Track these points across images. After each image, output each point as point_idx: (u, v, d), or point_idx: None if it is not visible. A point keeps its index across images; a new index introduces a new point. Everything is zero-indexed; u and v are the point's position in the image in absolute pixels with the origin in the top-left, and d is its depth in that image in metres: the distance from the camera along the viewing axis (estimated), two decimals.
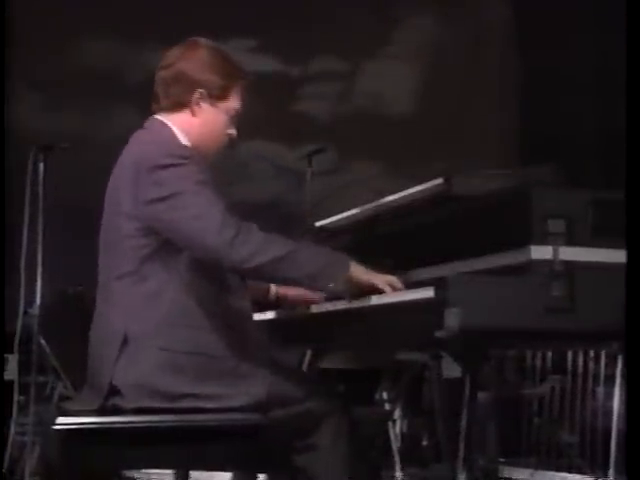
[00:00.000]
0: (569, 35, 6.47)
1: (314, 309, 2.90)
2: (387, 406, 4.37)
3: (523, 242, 2.44)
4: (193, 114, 2.83)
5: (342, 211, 3.28)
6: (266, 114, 6.11)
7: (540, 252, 2.42)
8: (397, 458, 4.29)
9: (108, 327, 2.73)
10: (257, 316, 3.21)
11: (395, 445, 4.30)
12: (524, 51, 6.98)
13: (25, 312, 4.59)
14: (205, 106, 2.83)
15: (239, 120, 2.93)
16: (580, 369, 4.50)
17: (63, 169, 4.77)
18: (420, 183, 2.83)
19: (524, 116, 6.95)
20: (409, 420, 4.50)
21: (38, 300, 4.62)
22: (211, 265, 2.67)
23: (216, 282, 2.74)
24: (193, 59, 2.84)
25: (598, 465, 4.27)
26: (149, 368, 2.65)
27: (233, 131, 2.91)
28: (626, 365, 2.43)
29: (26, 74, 6.43)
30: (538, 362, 4.62)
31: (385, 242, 3.09)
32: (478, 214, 2.66)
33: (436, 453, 4.47)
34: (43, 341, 4.83)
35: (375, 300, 2.64)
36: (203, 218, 2.59)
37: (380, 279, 2.66)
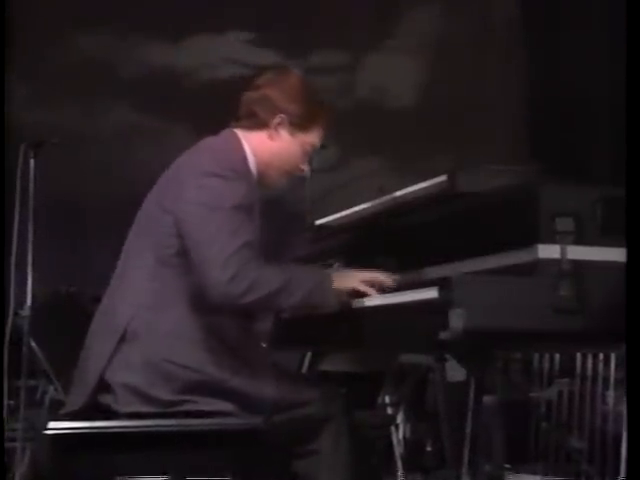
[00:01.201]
0: (579, 26, 6.46)
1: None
2: (389, 410, 4.37)
3: (530, 241, 2.44)
4: (270, 138, 2.90)
5: (343, 209, 3.29)
6: None
7: (547, 251, 2.42)
8: (400, 464, 4.30)
9: (111, 319, 2.77)
10: None
11: (398, 450, 4.30)
12: (531, 42, 6.97)
13: (15, 313, 4.59)
14: (283, 133, 2.91)
15: (313, 159, 3.02)
16: (589, 372, 4.49)
17: (55, 166, 4.77)
18: (423, 180, 2.83)
19: (531, 110, 6.94)
20: (412, 425, 4.50)
21: (29, 301, 4.62)
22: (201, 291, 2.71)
23: None
24: (281, 85, 2.92)
25: (608, 472, 4.27)
26: (142, 373, 2.67)
27: (305, 167, 3.00)
28: (626, 366, 2.43)
29: (14, 67, 6.42)
30: (545, 365, 4.62)
31: (387, 241, 3.09)
32: (483, 212, 2.66)
33: (440, 459, 4.46)
34: (34, 343, 4.82)
35: (377, 301, 2.65)
36: (215, 245, 2.65)
37: (361, 281, 2.77)
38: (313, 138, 2.95)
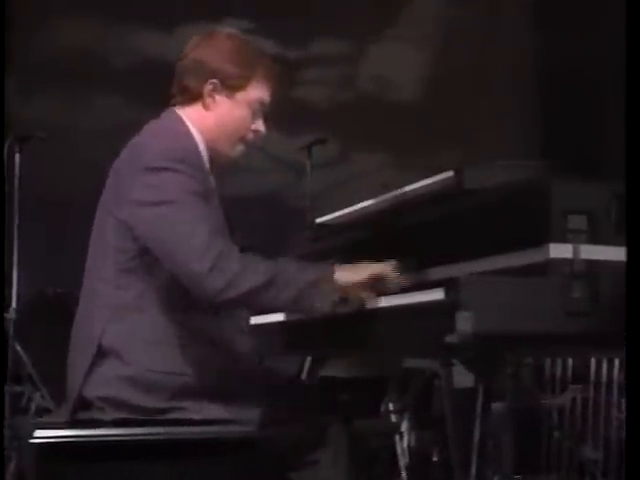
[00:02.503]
0: (592, 14, 6.46)
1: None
2: (393, 418, 4.37)
3: (541, 240, 2.43)
4: (206, 107, 2.80)
5: (344, 207, 3.29)
6: None
7: (559, 250, 2.42)
8: (404, 475, 4.30)
9: (84, 335, 2.75)
10: (252, 320, 3.22)
11: (402, 460, 4.30)
12: (542, 31, 6.97)
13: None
14: (220, 98, 2.80)
15: (267, 112, 2.88)
16: (604, 378, 4.49)
17: (41, 161, 4.77)
18: (429, 176, 2.83)
19: (542, 103, 6.94)
20: (417, 433, 4.50)
21: (14, 303, 4.63)
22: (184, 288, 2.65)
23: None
24: (208, 47, 2.82)
25: None
26: (124, 387, 2.66)
27: (259, 126, 2.87)
28: (626, 367, 2.43)
29: None
30: (558, 370, 4.61)
31: (391, 240, 3.08)
32: (491, 209, 2.65)
33: (446, 469, 4.46)
34: (19, 348, 4.83)
35: (381, 302, 2.65)
36: (187, 239, 2.57)
37: (368, 274, 2.69)
38: (258, 93, 2.83)
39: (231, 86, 2.80)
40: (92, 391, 2.69)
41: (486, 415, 2.66)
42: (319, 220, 3.50)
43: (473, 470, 3.02)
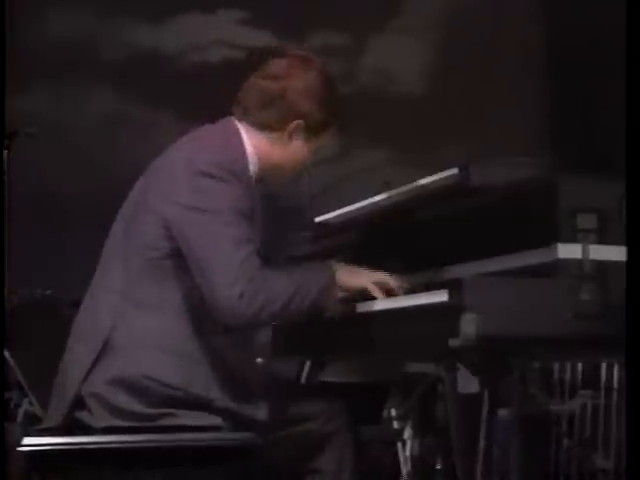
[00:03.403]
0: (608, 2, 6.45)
1: None
2: (396, 425, 4.37)
3: (549, 239, 2.44)
4: (282, 143, 2.83)
5: (344, 205, 3.29)
6: None
7: (568, 251, 2.43)
8: None
9: (90, 330, 2.75)
10: None
11: (405, 469, 4.31)
12: (553, 20, 6.96)
13: None
14: (297, 139, 2.84)
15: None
16: (615, 383, 4.49)
17: (31, 158, 4.77)
18: (433, 173, 2.83)
19: (551, 96, 6.94)
20: (420, 441, 4.50)
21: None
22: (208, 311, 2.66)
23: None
24: (302, 80, 2.81)
25: None
26: (117, 388, 2.67)
27: (308, 161, 2.94)
28: (626, 368, 2.43)
29: None
30: (567, 375, 4.61)
31: (393, 240, 3.09)
32: (498, 208, 2.66)
33: (451, 478, 4.47)
34: (6, 352, 4.83)
35: (382, 305, 2.65)
36: (224, 259, 2.60)
37: (371, 281, 2.74)
38: (325, 141, 2.90)
39: (313, 130, 2.84)
40: (87, 387, 2.69)
41: (492, 422, 2.66)
42: (318, 219, 3.50)
43: (478, 479, 3.02)
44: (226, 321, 2.63)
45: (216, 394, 2.68)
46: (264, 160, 2.83)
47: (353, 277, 2.77)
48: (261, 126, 2.81)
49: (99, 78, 6.52)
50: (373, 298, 2.76)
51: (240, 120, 2.84)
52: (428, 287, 2.56)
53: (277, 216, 3.29)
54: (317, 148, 2.91)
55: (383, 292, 2.75)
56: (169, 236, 2.69)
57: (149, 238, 2.72)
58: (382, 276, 2.78)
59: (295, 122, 2.80)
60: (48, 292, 5.47)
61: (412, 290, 2.71)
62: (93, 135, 6.27)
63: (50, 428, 2.71)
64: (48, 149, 5.60)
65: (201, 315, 2.69)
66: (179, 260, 2.69)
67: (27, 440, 2.63)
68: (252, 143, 2.80)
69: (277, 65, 2.85)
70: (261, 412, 2.69)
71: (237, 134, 2.80)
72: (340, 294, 2.76)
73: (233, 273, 2.58)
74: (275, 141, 2.82)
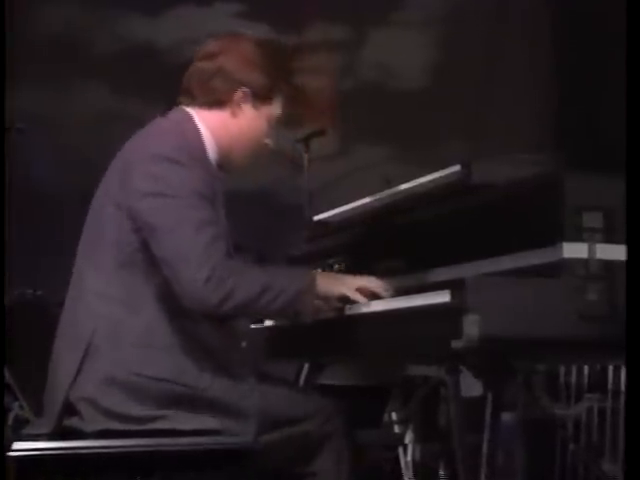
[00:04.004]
0: None
1: None
2: (397, 429, 4.37)
3: (554, 238, 2.44)
4: (233, 115, 2.89)
5: (344, 203, 3.29)
6: None
7: (574, 250, 2.42)
8: None
9: (73, 334, 2.77)
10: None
11: (406, 474, 4.31)
12: (558, 13, 6.96)
13: None
14: (246, 108, 2.90)
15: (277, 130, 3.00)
16: (622, 386, 4.49)
17: (21, 155, 4.77)
18: (434, 170, 2.83)
19: (556, 91, 6.94)
20: (422, 445, 4.50)
21: None
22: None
23: None
24: (239, 52, 2.90)
25: None
26: (108, 390, 2.67)
27: (270, 141, 3.00)
28: (626, 368, 2.43)
29: None
30: (573, 378, 4.61)
31: (393, 239, 3.09)
32: (501, 206, 2.66)
33: None
34: None
35: (382, 306, 2.65)
36: (182, 242, 2.63)
37: (351, 287, 2.77)
38: (277, 109, 2.95)
39: (260, 97, 2.90)
40: (76, 392, 2.70)
41: (495, 426, 2.65)
42: (317, 217, 3.50)
43: None
44: (192, 307, 2.66)
45: (206, 382, 2.70)
46: (222, 140, 2.89)
47: (334, 284, 2.81)
48: (209, 104, 2.89)
49: (91, 73, 6.52)
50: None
51: (189, 105, 2.91)
52: (430, 287, 2.55)
53: (274, 215, 3.28)
54: (273, 120, 2.95)
55: (367, 297, 2.77)
56: (136, 228, 2.72)
57: (119, 234, 2.75)
58: (365, 281, 2.81)
59: (240, 90, 2.87)
60: (39, 293, 5.47)
61: (412, 290, 2.71)
62: (85, 131, 6.27)
63: (41, 434, 2.71)
64: (40, 147, 5.60)
65: (180, 305, 2.70)
66: (150, 252, 2.71)
67: (17, 445, 2.62)
68: (206, 125, 2.87)
69: (211, 45, 2.94)
70: (251, 400, 2.71)
71: (190, 119, 2.87)
72: (317, 301, 2.78)
73: (197, 257, 2.62)
74: (227, 115, 2.89)
